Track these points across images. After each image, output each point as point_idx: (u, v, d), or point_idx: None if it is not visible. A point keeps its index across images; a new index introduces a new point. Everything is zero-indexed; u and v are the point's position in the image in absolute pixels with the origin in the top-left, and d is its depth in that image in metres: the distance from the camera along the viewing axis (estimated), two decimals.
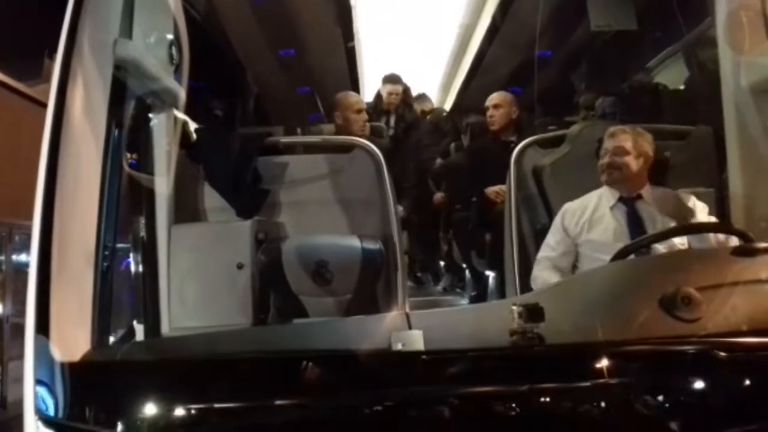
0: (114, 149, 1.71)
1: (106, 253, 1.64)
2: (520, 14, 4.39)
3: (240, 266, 2.47)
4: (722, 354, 1.33)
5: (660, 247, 2.23)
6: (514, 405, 1.27)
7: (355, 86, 5.44)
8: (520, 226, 2.84)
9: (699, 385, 1.33)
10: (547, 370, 1.34)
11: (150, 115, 2.22)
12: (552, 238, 2.59)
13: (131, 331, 2.24)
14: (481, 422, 1.28)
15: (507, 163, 2.95)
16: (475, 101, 4.61)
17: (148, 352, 1.93)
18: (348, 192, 2.76)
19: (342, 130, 3.42)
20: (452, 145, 4.75)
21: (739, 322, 1.45)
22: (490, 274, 3.61)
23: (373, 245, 2.53)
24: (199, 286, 2.41)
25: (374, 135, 3.70)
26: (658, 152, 2.55)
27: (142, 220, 2.27)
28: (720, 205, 2.54)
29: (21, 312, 3.40)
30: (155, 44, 2.03)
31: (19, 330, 4.80)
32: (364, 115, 3.52)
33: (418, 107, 5.03)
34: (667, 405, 1.29)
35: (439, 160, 4.71)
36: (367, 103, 4.14)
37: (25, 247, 5.39)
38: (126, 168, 2.00)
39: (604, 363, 1.30)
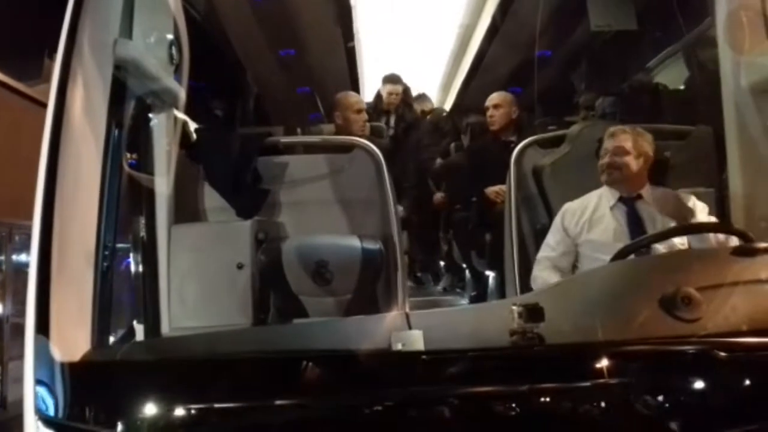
0: (114, 149, 1.72)
1: (106, 253, 1.64)
2: (520, 14, 4.39)
3: (240, 266, 2.47)
4: (722, 354, 1.33)
5: (660, 247, 2.23)
6: (514, 405, 1.27)
7: (355, 86, 5.44)
8: (520, 226, 2.84)
9: (699, 385, 1.33)
10: (547, 370, 1.34)
11: (150, 115, 2.23)
12: (552, 238, 2.59)
13: (131, 331, 2.24)
14: (481, 422, 1.28)
15: (507, 163, 2.95)
16: (475, 101, 4.60)
17: (148, 352, 1.93)
18: (348, 192, 2.76)
19: (342, 130, 3.41)
20: (452, 145, 4.74)
21: (739, 322, 1.45)
22: (490, 274, 3.61)
23: (373, 245, 2.52)
24: (199, 286, 2.42)
25: (374, 135, 3.69)
26: (658, 152, 2.55)
27: (142, 220, 2.27)
28: (720, 205, 2.54)
29: (21, 312, 3.39)
30: (155, 44, 2.03)
31: (19, 330, 4.80)
32: (364, 115, 3.52)
33: (418, 107, 5.03)
34: (667, 405, 1.29)
35: (439, 160, 4.70)
36: (367, 103, 4.14)
37: (25, 247, 5.38)
38: (126, 168, 2.00)
39: (604, 363, 1.30)
